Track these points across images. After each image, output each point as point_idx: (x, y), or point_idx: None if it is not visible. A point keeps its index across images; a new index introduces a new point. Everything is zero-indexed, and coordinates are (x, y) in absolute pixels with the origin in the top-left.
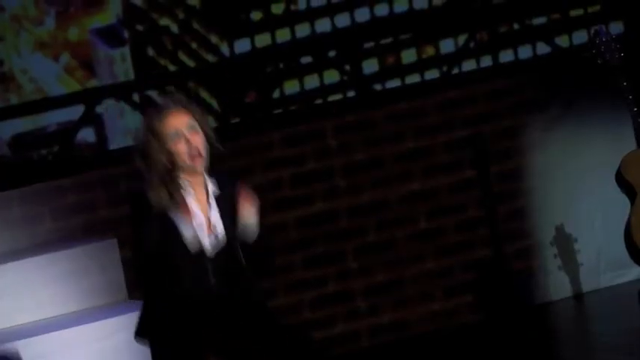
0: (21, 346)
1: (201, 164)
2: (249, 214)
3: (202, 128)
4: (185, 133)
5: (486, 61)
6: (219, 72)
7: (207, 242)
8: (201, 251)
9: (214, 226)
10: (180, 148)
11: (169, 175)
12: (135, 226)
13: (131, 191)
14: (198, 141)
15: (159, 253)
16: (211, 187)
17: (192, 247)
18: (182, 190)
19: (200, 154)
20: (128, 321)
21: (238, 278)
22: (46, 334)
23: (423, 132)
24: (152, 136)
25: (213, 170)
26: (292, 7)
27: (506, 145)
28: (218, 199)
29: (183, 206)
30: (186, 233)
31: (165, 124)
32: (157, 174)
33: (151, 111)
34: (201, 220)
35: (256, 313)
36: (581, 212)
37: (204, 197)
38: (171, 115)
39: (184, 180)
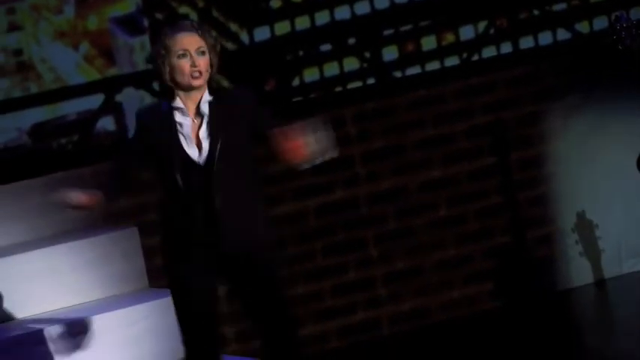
0: (42, 334)
1: (198, 84)
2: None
3: (210, 54)
4: (192, 54)
5: (506, 48)
6: (239, 60)
7: (193, 154)
8: (190, 161)
9: (202, 142)
10: (184, 67)
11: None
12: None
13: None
14: (202, 64)
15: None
16: (204, 103)
17: (181, 164)
18: (174, 109)
19: (200, 76)
20: (150, 309)
21: (241, 185)
22: (67, 323)
23: (443, 119)
24: (161, 49)
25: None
26: None
27: (526, 132)
28: (214, 114)
29: (172, 120)
30: (173, 144)
31: (175, 41)
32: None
33: (166, 28)
34: (189, 133)
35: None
36: (602, 199)
37: (198, 118)
38: (184, 35)
39: (178, 98)
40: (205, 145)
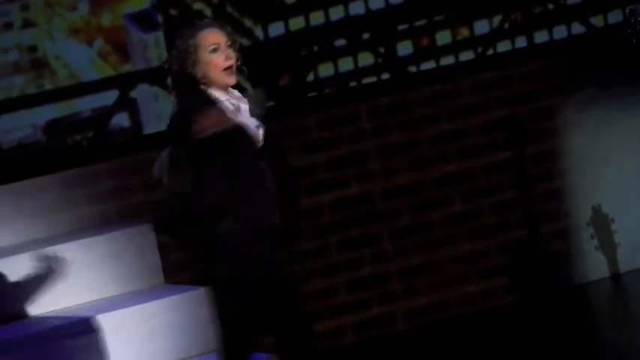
0: (57, 331)
1: (233, 80)
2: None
3: (235, 49)
4: (224, 48)
5: (521, 42)
6: (254, 55)
7: (260, 133)
8: (254, 148)
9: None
10: (219, 62)
11: (197, 87)
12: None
13: (178, 116)
14: (232, 57)
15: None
16: (237, 93)
17: (246, 146)
18: (219, 103)
19: (232, 72)
20: (165, 305)
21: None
22: (82, 319)
23: (458, 114)
24: (190, 47)
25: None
26: None
27: (541, 126)
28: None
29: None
30: (241, 133)
31: (204, 36)
32: (193, 90)
33: (186, 28)
34: (247, 118)
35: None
36: (617, 192)
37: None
38: (211, 30)
39: (217, 95)
40: (259, 130)
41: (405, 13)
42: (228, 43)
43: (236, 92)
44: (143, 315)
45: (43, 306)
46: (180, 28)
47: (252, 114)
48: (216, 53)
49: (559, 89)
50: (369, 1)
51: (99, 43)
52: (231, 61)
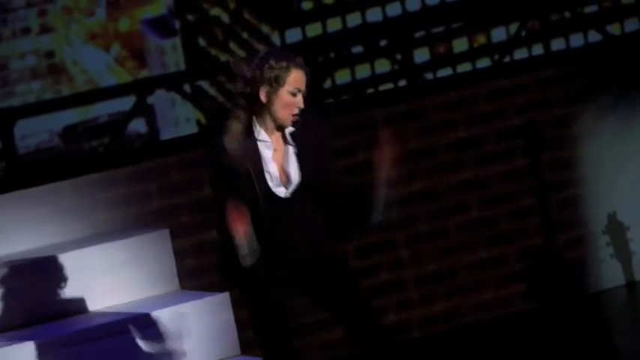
0: (74, 337)
1: (290, 125)
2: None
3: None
4: (300, 94)
5: (538, 50)
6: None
7: (281, 191)
8: (278, 199)
9: (290, 177)
10: (292, 104)
11: (252, 115)
12: (216, 178)
13: (211, 144)
14: (302, 104)
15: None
16: (289, 138)
17: (265, 197)
18: (259, 141)
19: (296, 116)
20: (181, 310)
21: (307, 223)
22: (97, 325)
23: (475, 121)
24: (278, 79)
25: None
26: None
27: (558, 134)
28: (297, 146)
29: (256, 156)
30: (259, 185)
31: (294, 76)
32: (248, 108)
33: (279, 56)
34: (274, 171)
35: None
36: (633, 200)
37: (280, 145)
38: (301, 72)
39: (261, 130)
40: (293, 177)
41: (421, 20)
42: (304, 92)
43: (290, 129)
44: (159, 320)
45: (58, 312)
46: (278, 51)
47: (300, 153)
48: (295, 96)
49: (575, 97)
50: (386, 7)
51: (116, 48)
52: (301, 107)
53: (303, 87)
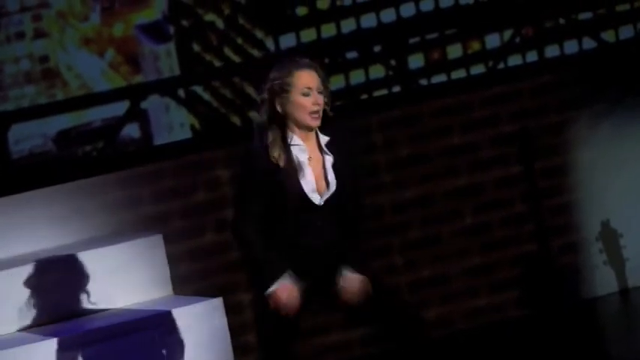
0: (66, 341)
1: (316, 125)
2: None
3: (325, 91)
4: (314, 92)
5: (532, 57)
6: (265, 67)
7: (316, 197)
8: (309, 204)
9: (329, 182)
10: (306, 104)
11: (280, 129)
12: (244, 181)
13: (249, 147)
14: (322, 103)
15: (267, 204)
16: (324, 141)
17: (297, 202)
18: (292, 146)
19: (319, 116)
20: (174, 316)
21: (334, 233)
22: (91, 330)
23: (469, 127)
24: (284, 85)
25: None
26: (337, 3)
27: (552, 141)
28: (332, 156)
29: (291, 161)
30: (293, 189)
31: (299, 77)
32: (276, 124)
33: (285, 63)
34: (310, 176)
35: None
36: (626, 208)
37: (316, 150)
38: (307, 72)
39: (294, 136)
40: (330, 186)
41: (416, 26)
42: (320, 88)
43: (325, 138)
44: (153, 326)
45: (51, 316)
46: (281, 60)
47: (336, 159)
48: (307, 96)
49: (569, 104)
50: (380, 13)
51: (110, 53)
52: (319, 107)
53: (314, 84)
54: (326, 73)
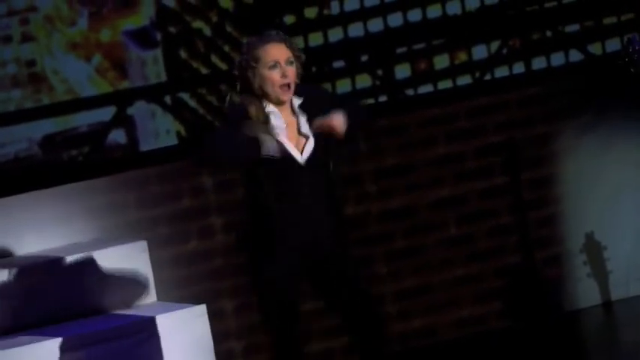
0: (49, 346)
1: (288, 96)
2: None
3: (297, 65)
4: (282, 64)
5: (519, 68)
6: None
7: (297, 155)
8: (292, 163)
9: (307, 140)
10: (275, 77)
11: (258, 99)
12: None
13: (232, 101)
14: (292, 75)
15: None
16: (296, 103)
17: (280, 163)
18: (270, 113)
19: (289, 88)
20: (158, 321)
21: (326, 185)
22: (75, 335)
23: (455, 138)
24: (251, 60)
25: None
26: (325, 12)
27: (537, 152)
28: (308, 114)
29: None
30: (272, 148)
31: (266, 51)
32: (249, 95)
33: (253, 39)
34: (287, 140)
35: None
36: (611, 220)
37: (292, 120)
38: (274, 45)
39: (269, 104)
40: (308, 145)
41: (403, 36)
42: (290, 59)
43: (297, 100)
44: (134, 331)
45: (34, 320)
46: (250, 37)
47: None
48: (274, 69)
49: (556, 115)
50: (367, 23)
51: (97, 59)
52: (288, 79)
53: (282, 57)
54: (298, 48)
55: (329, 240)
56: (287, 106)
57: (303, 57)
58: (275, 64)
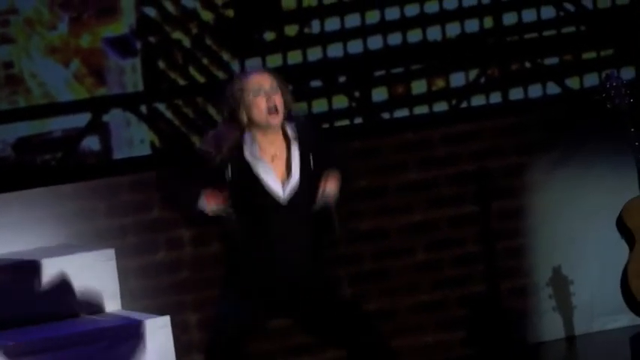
0: (12, 349)
1: (276, 122)
2: (330, 192)
3: (283, 93)
4: (267, 90)
5: (496, 98)
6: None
7: (279, 190)
8: (271, 200)
9: (292, 175)
10: (259, 102)
11: (244, 130)
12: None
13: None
14: (278, 100)
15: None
16: (291, 134)
17: (258, 198)
18: (253, 144)
19: (277, 112)
20: (122, 330)
21: (305, 226)
22: (38, 339)
23: (428, 164)
24: (236, 92)
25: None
26: (306, 30)
27: (509, 183)
28: (297, 151)
29: (243, 158)
30: (252, 183)
31: (249, 80)
32: (235, 127)
33: (238, 73)
34: (271, 171)
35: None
36: (579, 255)
37: (282, 149)
38: (257, 74)
39: (256, 135)
40: (292, 182)
41: (382, 59)
42: (274, 86)
43: (293, 132)
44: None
45: None
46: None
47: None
48: (258, 95)
49: (530, 147)
50: (347, 44)
51: (76, 64)
52: (272, 102)
53: (265, 83)
54: (283, 80)
55: (305, 282)
56: (279, 136)
57: (290, 88)
58: (259, 90)
